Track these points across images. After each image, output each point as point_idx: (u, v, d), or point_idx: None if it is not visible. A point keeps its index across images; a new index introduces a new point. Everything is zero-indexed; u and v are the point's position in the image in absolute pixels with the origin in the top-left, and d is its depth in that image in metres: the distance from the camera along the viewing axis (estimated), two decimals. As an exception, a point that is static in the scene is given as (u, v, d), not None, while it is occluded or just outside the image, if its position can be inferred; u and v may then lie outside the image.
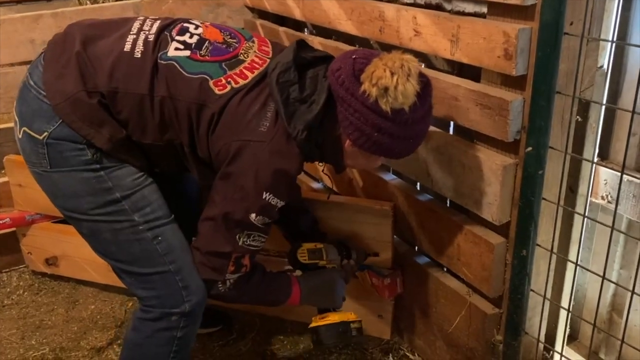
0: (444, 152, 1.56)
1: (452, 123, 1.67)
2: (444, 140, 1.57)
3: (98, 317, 2.20)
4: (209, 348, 2.01)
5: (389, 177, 1.88)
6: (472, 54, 1.39)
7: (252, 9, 2.54)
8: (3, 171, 2.34)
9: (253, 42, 1.46)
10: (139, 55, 1.37)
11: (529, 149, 1.32)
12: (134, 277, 1.46)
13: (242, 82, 1.37)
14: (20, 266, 2.48)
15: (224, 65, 1.38)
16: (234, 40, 1.43)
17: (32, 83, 1.39)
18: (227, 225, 1.37)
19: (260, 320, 2.12)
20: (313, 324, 1.61)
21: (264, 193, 1.34)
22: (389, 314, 1.96)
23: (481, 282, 1.57)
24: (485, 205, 1.47)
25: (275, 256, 2.03)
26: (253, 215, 1.36)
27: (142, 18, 1.47)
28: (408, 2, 1.67)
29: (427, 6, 1.61)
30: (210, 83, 1.36)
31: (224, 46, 1.41)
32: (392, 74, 1.21)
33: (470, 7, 1.48)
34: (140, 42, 1.39)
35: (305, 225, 1.82)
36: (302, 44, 1.42)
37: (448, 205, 1.72)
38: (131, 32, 1.41)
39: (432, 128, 1.63)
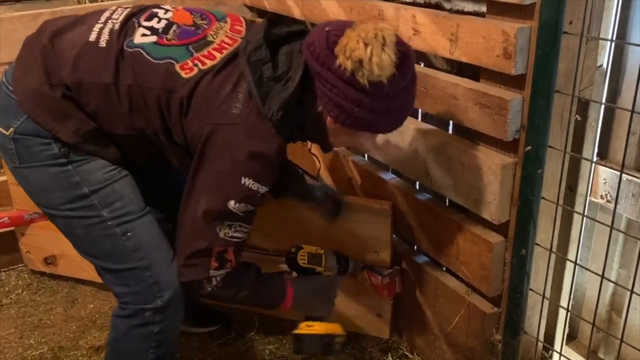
0: (443, 151, 1.56)
1: (451, 122, 1.67)
2: (443, 140, 1.57)
3: (97, 316, 2.20)
4: (208, 347, 2.01)
5: (388, 176, 1.88)
6: (471, 53, 1.39)
7: (251, 8, 2.53)
8: (2, 170, 2.33)
9: (225, 22, 1.41)
10: (104, 45, 1.34)
11: (528, 148, 1.31)
12: (110, 274, 1.45)
13: (210, 63, 1.31)
14: (19, 265, 2.48)
15: (190, 48, 1.33)
16: (204, 22, 1.39)
17: (4, 80, 1.39)
18: (206, 218, 1.31)
19: (259, 320, 2.11)
20: (298, 331, 1.56)
21: (243, 178, 1.28)
22: (388, 313, 1.95)
23: (480, 282, 1.57)
24: (485, 204, 1.46)
25: (274, 255, 2.03)
26: (232, 203, 1.29)
27: (113, 8, 1.44)
28: (407, 0, 1.67)
29: (426, 5, 1.61)
30: (177, 67, 1.31)
31: (193, 28, 1.37)
32: (366, 45, 1.15)
33: (469, 6, 1.48)
34: (106, 31, 1.36)
35: (294, 186, 1.76)
36: (274, 21, 1.36)
37: (447, 204, 1.71)
38: (98, 22, 1.38)
39: (431, 127, 1.64)
